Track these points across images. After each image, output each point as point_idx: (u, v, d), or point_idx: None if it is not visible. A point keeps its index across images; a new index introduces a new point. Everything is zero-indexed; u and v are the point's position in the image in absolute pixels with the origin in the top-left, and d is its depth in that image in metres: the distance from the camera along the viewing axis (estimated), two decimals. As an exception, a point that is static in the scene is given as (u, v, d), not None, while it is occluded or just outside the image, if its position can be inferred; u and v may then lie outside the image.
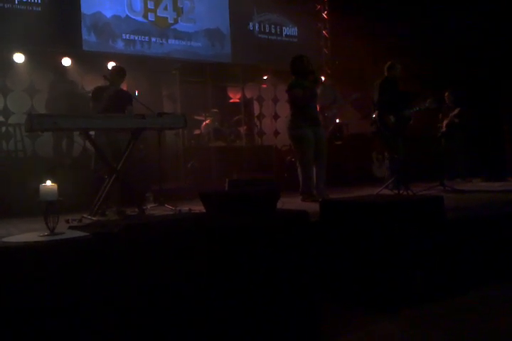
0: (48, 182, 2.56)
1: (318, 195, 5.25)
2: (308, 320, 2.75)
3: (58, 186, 2.60)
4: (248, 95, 10.28)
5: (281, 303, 2.67)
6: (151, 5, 8.81)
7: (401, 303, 3.09)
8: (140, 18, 8.70)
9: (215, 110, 9.13)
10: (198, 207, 4.25)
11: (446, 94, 7.90)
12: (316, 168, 5.39)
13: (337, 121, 9.94)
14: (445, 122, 7.84)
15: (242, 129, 9.47)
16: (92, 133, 4.93)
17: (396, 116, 5.89)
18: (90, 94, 5.50)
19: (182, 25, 9.11)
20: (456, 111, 7.75)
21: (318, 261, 3.01)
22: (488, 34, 8.52)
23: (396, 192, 5.23)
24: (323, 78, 9.84)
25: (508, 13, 8.25)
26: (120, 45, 8.48)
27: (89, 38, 8.19)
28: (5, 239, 2.45)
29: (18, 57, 7.70)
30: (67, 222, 4.09)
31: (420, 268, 3.23)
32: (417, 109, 5.81)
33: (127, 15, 8.56)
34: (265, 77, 10.28)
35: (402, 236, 3.18)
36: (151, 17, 8.79)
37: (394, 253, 3.14)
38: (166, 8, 8.98)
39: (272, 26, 10.20)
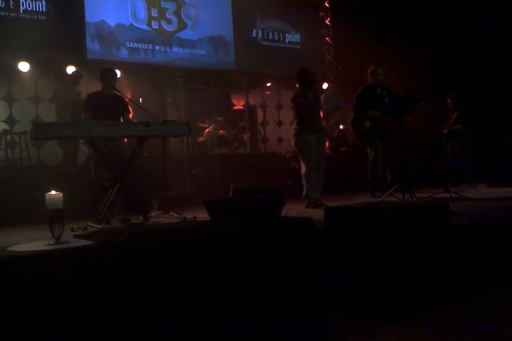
0: (53, 191, 2.57)
1: (323, 201, 5.27)
2: (313, 326, 2.74)
3: (63, 194, 2.61)
4: (252, 102, 10.30)
5: (286, 311, 2.66)
6: (154, 13, 8.86)
7: (409, 309, 3.08)
8: (144, 26, 8.74)
9: (219, 118, 9.15)
10: (203, 215, 4.25)
11: (449, 98, 7.88)
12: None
13: (341, 127, 9.96)
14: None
15: (246, 136, 9.49)
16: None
17: (373, 122, 5.91)
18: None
19: (186, 33, 9.15)
20: (454, 116, 7.75)
21: (324, 268, 3.01)
22: (492, 36, 8.52)
23: (400, 198, 5.22)
24: (325, 86, 9.88)
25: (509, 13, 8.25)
26: (124, 54, 8.52)
27: (93, 47, 8.24)
28: (11, 248, 2.45)
29: (23, 66, 7.74)
30: (72, 230, 4.10)
31: (427, 274, 3.22)
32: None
33: (131, 24, 8.61)
34: (269, 84, 10.31)
35: (408, 242, 3.16)
36: (154, 25, 8.84)
37: (400, 259, 3.13)
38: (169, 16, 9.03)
39: (275, 33, 10.23)
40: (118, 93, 5.41)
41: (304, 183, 5.44)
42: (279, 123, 10.61)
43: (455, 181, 7.01)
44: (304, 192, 5.42)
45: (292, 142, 5.58)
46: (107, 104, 5.19)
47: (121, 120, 5.31)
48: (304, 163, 5.46)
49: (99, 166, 5.14)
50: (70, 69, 8.05)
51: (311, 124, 5.43)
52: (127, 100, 5.58)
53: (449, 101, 7.84)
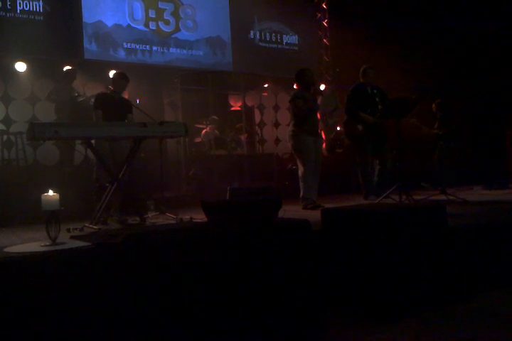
0: (50, 192, 2.56)
1: (320, 203, 5.28)
2: (311, 326, 2.73)
3: (59, 195, 2.61)
4: (249, 103, 10.30)
5: (284, 311, 2.66)
6: (152, 14, 8.85)
7: (406, 310, 3.08)
8: (141, 27, 8.74)
9: (214, 117, 9.13)
10: (200, 216, 4.25)
11: (434, 103, 7.89)
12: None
13: (338, 128, 9.97)
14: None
15: (243, 137, 9.48)
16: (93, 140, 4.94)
17: (366, 125, 5.90)
18: (92, 103, 5.47)
19: (183, 34, 9.15)
20: (437, 121, 7.77)
21: (321, 269, 3.01)
22: (491, 39, 8.55)
23: (397, 200, 5.22)
24: (323, 87, 9.90)
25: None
26: (121, 54, 8.51)
27: (90, 47, 8.23)
28: (7, 249, 2.44)
29: (20, 66, 7.72)
30: (69, 231, 4.08)
31: (424, 276, 3.22)
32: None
33: (128, 24, 8.60)
34: (266, 85, 10.31)
35: (405, 244, 3.17)
36: (152, 26, 8.84)
37: (397, 260, 3.13)
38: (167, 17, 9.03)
39: (273, 34, 10.25)
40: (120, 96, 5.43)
41: (301, 185, 5.43)
42: (276, 125, 10.61)
43: (434, 183, 6.98)
44: (301, 193, 5.42)
45: (290, 143, 5.57)
46: (116, 106, 5.21)
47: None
48: (301, 165, 5.45)
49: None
50: (65, 68, 8.02)
51: (309, 126, 5.43)
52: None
53: (433, 106, 7.84)
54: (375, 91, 6.04)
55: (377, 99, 5.96)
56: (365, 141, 5.97)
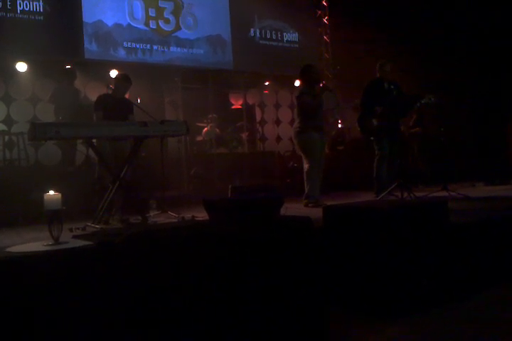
0: (52, 192, 2.56)
1: (322, 200, 5.27)
2: (312, 325, 2.74)
3: (61, 195, 2.61)
4: (250, 101, 10.30)
5: (285, 310, 2.66)
6: (152, 13, 8.84)
7: (408, 309, 3.08)
8: (141, 26, 8.73)
9: (212, 115, 9.12)
10: (201, 214, 4.26)
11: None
12: None
13: (339, 126, 9.98)
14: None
15: (244, 135, 9.49)
16: (94, 140, 4.94)
17: (381, 119, 5.81)
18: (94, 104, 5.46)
19: (183, 33, 9.14)
20: (413, 119, 7.74)
21: (323, 267, 3.01)
22: (493, 32, 8.52)
23: (399, 196, 5.22)
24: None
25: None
26: (122, 54, 8.51)
27: (90, 47, 8.22)
28: (9, 249, 2.45)
29: (21, 66, 7.72)
30: (71, 230, 4.09)
31: (426, 273, 3.22)
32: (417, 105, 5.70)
33: (129, 24, 8.60)
34: (267, 83, 10.31)
35: (407, 241, 3.17)
36: (152, 25, 8.83)
37: (399, 258, 3.13)
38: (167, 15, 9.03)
39: (273, 32, 10.23)
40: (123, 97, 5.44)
41: (306, 182, 5.41)
42: (277, 122, 10.61)
43: (413, 182, 6.91)
44: (306, 191, 5.39)
45: (295, 140, 5.53)
46: (117, 107, 5.22)
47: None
48: (307, 162, 5.43)
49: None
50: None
51: (315, 123, 5.40)
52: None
53: None
54: (392, 86, 5.87)
55: (394, 94, 5.85)
56: (380, 135, 5.83)
